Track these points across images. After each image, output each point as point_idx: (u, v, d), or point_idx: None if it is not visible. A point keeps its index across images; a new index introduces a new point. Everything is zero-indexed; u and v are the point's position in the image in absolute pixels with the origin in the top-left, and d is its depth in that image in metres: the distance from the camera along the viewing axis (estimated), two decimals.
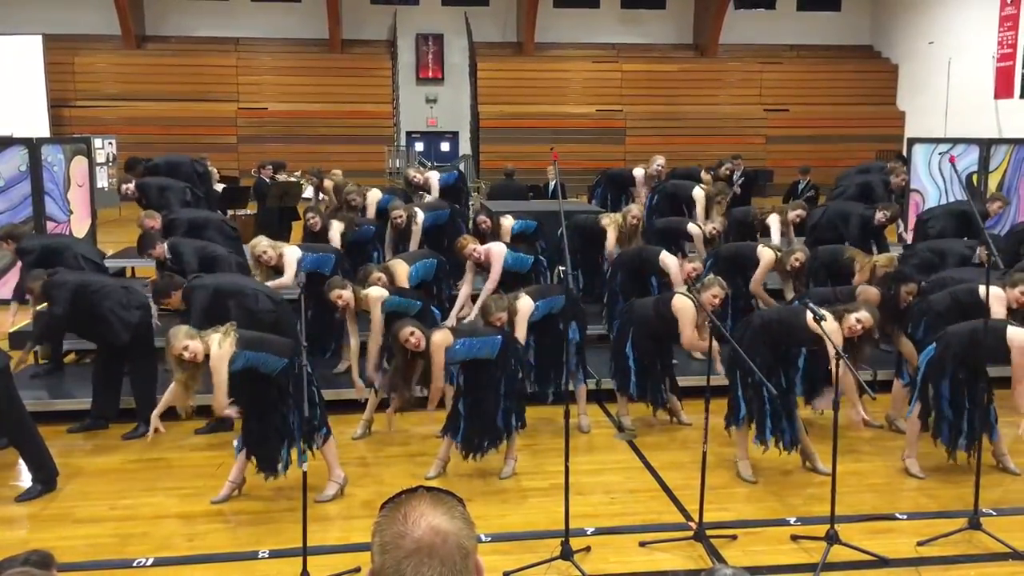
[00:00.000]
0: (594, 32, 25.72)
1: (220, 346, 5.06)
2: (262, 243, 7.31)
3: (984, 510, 4.98)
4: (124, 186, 9.70)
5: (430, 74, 25.72)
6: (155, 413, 5.30)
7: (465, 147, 25.28)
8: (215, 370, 5.07)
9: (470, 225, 8.99)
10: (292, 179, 13.12)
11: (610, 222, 8.41)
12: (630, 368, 6.42)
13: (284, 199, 12.14)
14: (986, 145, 11.22)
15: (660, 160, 10.42)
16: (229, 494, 5.40)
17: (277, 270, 7.26)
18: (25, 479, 5.68)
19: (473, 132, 24.83)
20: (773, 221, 8.86)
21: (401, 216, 8.59)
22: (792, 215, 8.96)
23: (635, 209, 8.47)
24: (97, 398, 6.65)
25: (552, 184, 12.65)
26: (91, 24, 23.80)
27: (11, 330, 7.67)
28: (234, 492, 5.43)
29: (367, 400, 6.51)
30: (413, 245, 8.59)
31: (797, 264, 7.47)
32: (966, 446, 5.56)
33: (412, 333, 5.44)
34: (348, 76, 24.50)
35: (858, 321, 5.33)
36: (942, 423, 5.60)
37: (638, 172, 10.60)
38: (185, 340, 5.04)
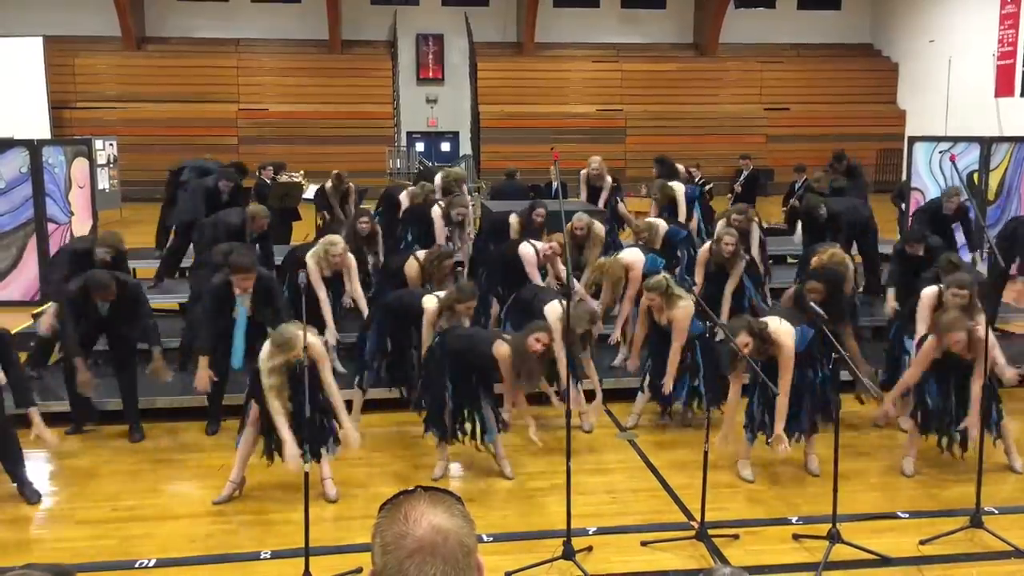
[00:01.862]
0: (594, 32, 25.72)
1: (308, 333, 4.89)
2: (339, 245, 7.18)
3: (986, 508, 4.98)
4: (222, 182, 9.15)
5: (430, 74, 25.73)
6: (289, 444, 5.06)
7: (466, 147, 25.29)
8: (322, 356, 5.21)
9: (521, 221, 8.51)
10: (293, 180, 13.13)
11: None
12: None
13: (284, 200, 12.13)
14: (987, 143, 11.18)
15: (595, 160, 10.29)
16: (230, 494, 5.40)
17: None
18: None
19: (473, 132, 24.83)
20: (719, 226, 8.61)
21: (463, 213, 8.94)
22: (734, 218, 8.73)
23: (575, 220, 8.22)
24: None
25: (555, 184, 12.58)
26: (91, 26, 23.81)
27: (14, 331, 7.63)
28: (235, 492, 5.43)
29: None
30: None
31: (729, 248, 7.37)
32: (958, 439, 5.56)
33: (538, 340, 5.53)
34: (348, 77, 24.51)
35: (744, 345, 5.32)
36: (930, 417, 5.62)
37: (582, 174, 10.50)
38: (298, 331, 4.95)
